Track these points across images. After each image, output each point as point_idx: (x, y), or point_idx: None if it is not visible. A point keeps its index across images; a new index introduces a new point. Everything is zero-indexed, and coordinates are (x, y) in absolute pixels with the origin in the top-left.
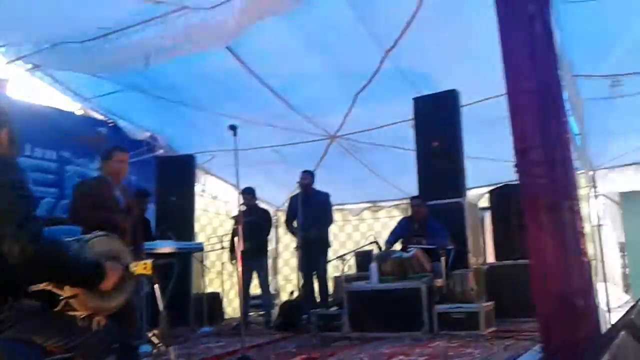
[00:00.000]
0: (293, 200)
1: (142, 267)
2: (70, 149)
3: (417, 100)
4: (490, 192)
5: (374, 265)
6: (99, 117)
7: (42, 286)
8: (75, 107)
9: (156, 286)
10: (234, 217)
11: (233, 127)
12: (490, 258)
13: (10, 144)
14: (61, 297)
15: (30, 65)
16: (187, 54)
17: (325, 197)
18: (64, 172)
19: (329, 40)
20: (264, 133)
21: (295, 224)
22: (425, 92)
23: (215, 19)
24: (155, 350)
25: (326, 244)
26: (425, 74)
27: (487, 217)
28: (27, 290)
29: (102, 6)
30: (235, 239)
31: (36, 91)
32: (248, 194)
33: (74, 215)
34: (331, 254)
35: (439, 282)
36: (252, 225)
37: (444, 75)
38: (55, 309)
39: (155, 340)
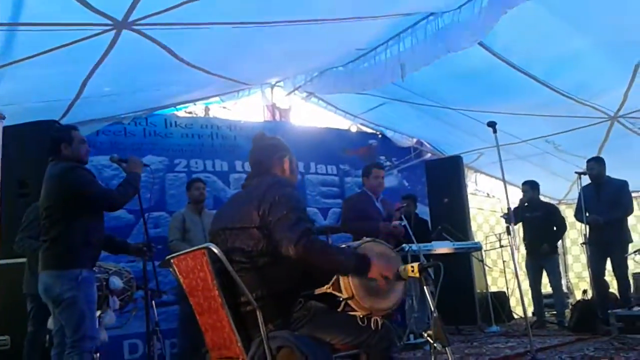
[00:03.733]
0: (584, 191)
1: (410, 269)
2: (348, 162)
3: None
4: None
5: None
6: (369, 130)
7: (324, 289)
8: (347, 124)
9: (426, 288)
10: (504, 216)
11: (492, 124)
12: None
13: (291, 172)
14: (341, 299)
15: (305, 94)
16: (440, 57)
17: (621, 185)
18: (344, 184)
19: (592, 13)
20: (531, 123)
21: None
22: None
23: (464, 17)
24: (432, 351)
25: (624, 238)
26: None
27: None
28: (312, 293)
29: (357, 30)
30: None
31: (313, 115)
32: (529, 187)
33: (344, 226)
34: (630, 248)
35: None
36: (537, 220)
37: None
38: (338, 310)
39: (430, 340)
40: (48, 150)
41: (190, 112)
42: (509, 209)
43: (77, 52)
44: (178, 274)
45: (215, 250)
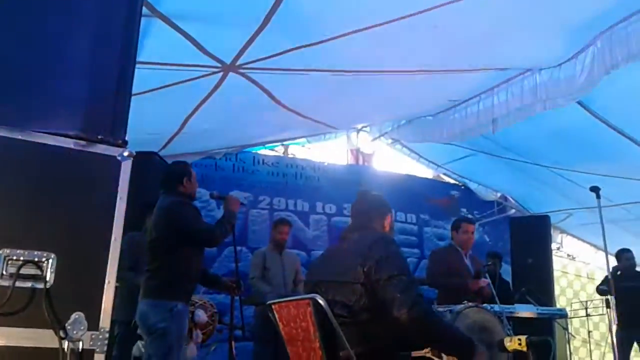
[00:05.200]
0: None
1: (516, 342)
2: (427, 212)
3: None
4: None
5: None
6: (451, 180)
7: (422, 353)
8: (429, 173)
9: None
10: (600, 289)
11: (595, 189)
12: None
13: (391, 229)
14: None
15: (390, 140)
16: (535, 113)
17: None
18: (422, 233)
19: None
20: (628, 188)
21: None
22: None
23: (564, 75)
24: None
25: None
26: None
27: None
28: (410, 354)
29: (450, 82)
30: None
31: (396, 162)
32: (626, 255)
33: (431, 279)
34: None
35: None
36: (633, 291)
37: None
38: None
39: None
40: (162, 182)
41: (273, 150)
42: (608, 278)
43: (185, 91)
44: (278, 320)
45: (321, 302)
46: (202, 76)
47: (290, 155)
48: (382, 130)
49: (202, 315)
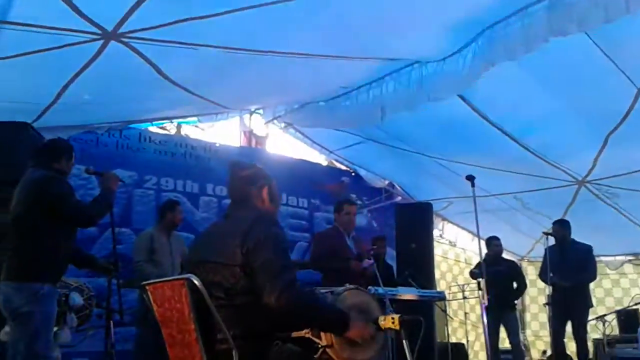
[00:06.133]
0: (549, 251)
1: (390, 321)
2: (319, 197)
3: None
4: None
5: None
6: (342, 167)
7: (302, 333)
8: (321, 159)
9: (405, 342)
10: (472, 272)
11: (470, 178)
12: None
13: (271, 202)
14: (319, 346)
15: (283, 124)
16: (420, 104)
17: (587, 250)
18: (313, 218)
19: (570, 81)
20: (502, 179)
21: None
22: None
23: (448, 69)
24: None
25: (586, 302)
26: None
27: None
28: (289, 335)
29: (343, 68)
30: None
31: (289, 146)
32: (498, 242)
33: (314, 262)
34: (590, 312)
35: None
36: (499, 275)
37: None
38: (315, 356)
39: None
40: (35, 155)
41: (163, 129)
42: (480, 263)
43: (60, 58)
44: (152, 301)
45: (197, 283)
46: (80, 43)
47: (184, 135)
48: (275, 114)
49: (77, 299)
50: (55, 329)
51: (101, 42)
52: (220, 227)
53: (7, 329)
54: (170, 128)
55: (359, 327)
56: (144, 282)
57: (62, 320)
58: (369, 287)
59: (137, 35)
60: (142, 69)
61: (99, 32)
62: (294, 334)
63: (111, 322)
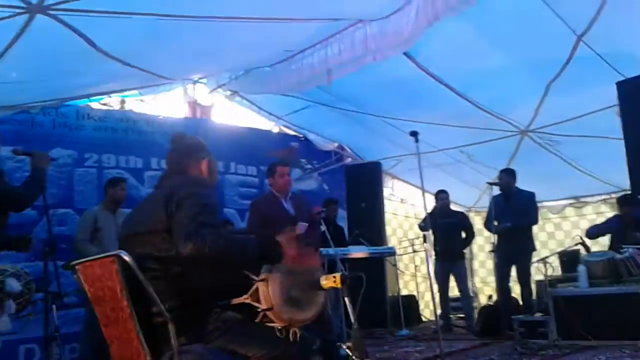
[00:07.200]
0: (494, 201)
1: (331, 280)
2: (267, 164)
3: (621, 84)
4: None
5: (582, 268)
6: (291, 132)
7: (242, 299)
8: (270, 126)
9: (346, 299)
10: (419, 226)
11: (414, 134)
12: None
13: (210, 174)
14: (259, 310)
15: (229, 92)
16: (366, 65)
17: (529, 196)
18: (264, 185)
19: (511, 32)
20: (448, 134)
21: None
22: (630, 75)
23: (392, 27)
24: None
25: (529, 246)
26: (629, 54)
27: None
28: (229, 303)
29: (285, 31)
30: (428, 242)
31: (236, 114)
32: (444, 195)
33: (249, 233)
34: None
35: None
36: (448, 227)
37: None
38: (255, 321)
39: (349, 352)
40: None
41: (105, 104)
42: (425, 217)
43: None
44: (83, 281)
45: (127, 258)
46: (4, 18)
47: (126, 109)
48: (219, 82)
49: (14, 285)
50: None
51: (26, 16)
52: (148, 198)
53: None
54: (114, 103)
55: (293, 245)
56: (73, 262)
57: (0, 308)
58: (320, 249)
59: (63, 6)
60: (73, 42)
61: (24, 5)
62: (234, 301)
63: (54, 305)
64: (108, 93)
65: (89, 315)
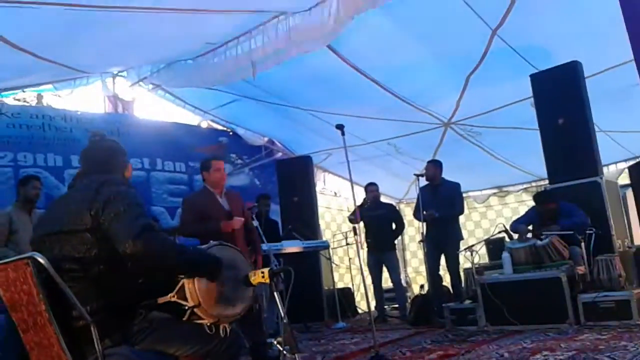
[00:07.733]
0: (422, 191)
1: (260, 275)
2: (197, 160)
3: (535, 76)
4: (630, 167)
5: (506, 255)
6: (219, 127)
7: (167, 298)
8: (197, 120)
9: (276, 294)
10: (349, 218)
11: (340, 127)
12: (638, 240)
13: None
14: (186, 307)
15: (151, 86)
16: (290, 58)
17: (454, 186)
18: (193, 181)
19: (431, 27)
20: (375, 127)
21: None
22: (543, 68)
23: (314, 19)
24: (281, 357)
25: (456, 235)
26: (541, 48)
27: (629, 195)
28: (155, 302)
29: (207, 23)
30: (358, 233)
31: (160, 109)
32: (374, 188)
33: (183, 229)
34: (461, 244)
35: (581, 269)
36: (379, 219)
37: (561, 48)
38: (183, 319)
39: (279, 347)
40: None
41: (19, 100)
42: (355, 209)
43: None
44: None
45: (42, 260)
46: None
47: (43, 105)
48: (140, 75)
49: None
50: None
51: None
52: (64, 198)
53: None
54: (30, 99)
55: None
56: None
57: None
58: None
59: None
60: None
61: None
62: (160, 300)
63: None
64: (21, 88)
65: (9, 322)
